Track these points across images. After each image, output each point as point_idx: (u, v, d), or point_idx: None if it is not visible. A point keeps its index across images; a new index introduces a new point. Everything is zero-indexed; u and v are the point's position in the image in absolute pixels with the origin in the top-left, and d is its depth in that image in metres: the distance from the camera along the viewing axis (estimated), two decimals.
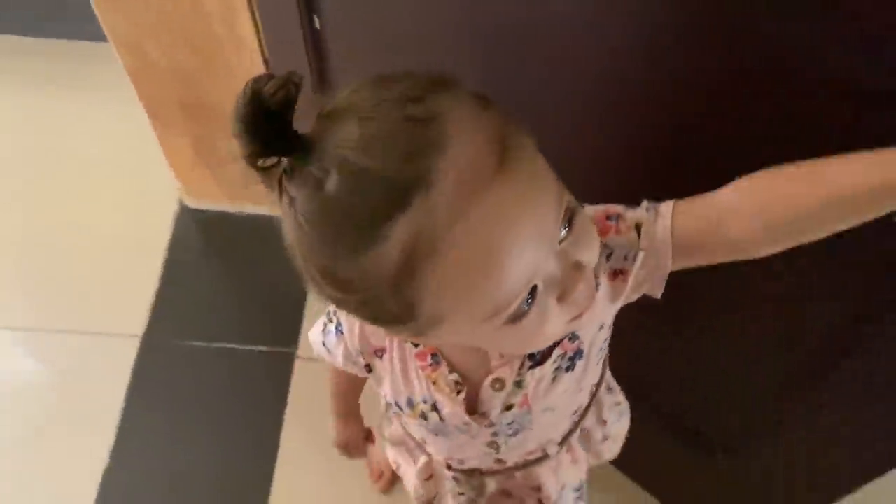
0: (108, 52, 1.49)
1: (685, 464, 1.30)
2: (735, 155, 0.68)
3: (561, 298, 0.60)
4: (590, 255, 0.61)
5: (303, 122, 0.55)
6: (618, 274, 0.74)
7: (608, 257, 0.73)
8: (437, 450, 0.97)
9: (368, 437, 1.20)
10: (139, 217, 1.97)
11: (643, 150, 0.89)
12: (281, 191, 0.56)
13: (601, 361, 0.90)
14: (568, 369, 0.81)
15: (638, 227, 0.72)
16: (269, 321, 1.84)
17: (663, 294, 0.75)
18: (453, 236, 0.51)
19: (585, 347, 0.81)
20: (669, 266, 0.72)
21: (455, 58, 0.96)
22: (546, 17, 0.83)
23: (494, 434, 0.86)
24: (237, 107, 0.52)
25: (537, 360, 0.78)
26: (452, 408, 0.81)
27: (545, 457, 0.96)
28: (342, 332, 0.85)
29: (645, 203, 0.73)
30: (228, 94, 1.59)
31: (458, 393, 0.80)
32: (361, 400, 1.11)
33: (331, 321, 0.88)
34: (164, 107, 1.63)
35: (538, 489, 1.01)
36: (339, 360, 0.89)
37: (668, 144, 0.86)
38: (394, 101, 0.53)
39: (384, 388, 0.86)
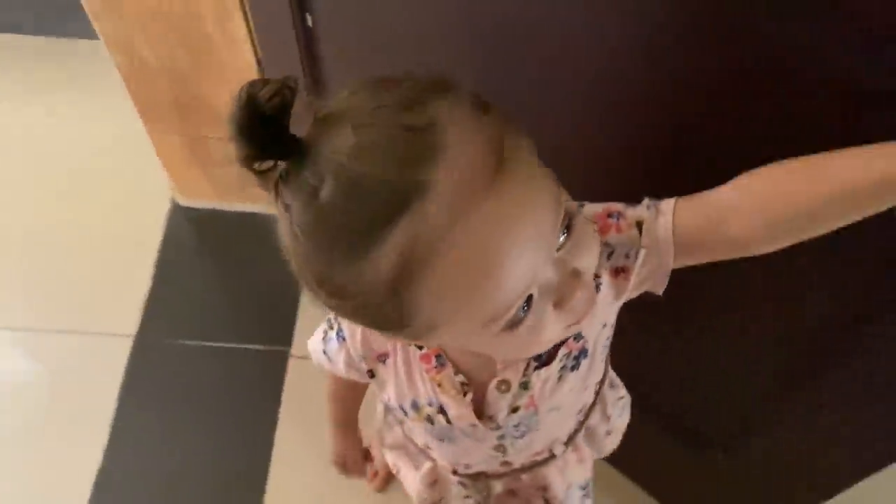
0: (99, 50, 1.48)
1: (685, 464, 1.30)
2: (734, 155, 0.68)
3: (558, 305, 0.60)
4: (588, 260, 0.61)
5: (301, 123, 0.54)
6: (619, 272, 0.74)
7: (609, 256, 0.73)
8: (442, 455, 0.97)
9: (367, 456, 1.18)
10: (131, 216, 1.96)
11: (642, 150, 0.89)
12: (277, 194, 0.56)
13: (604, 359, 0.90)
14: (573, 368, 0.80)
15: (639, 225, 0.72)
16: (263, 319, 1.83)
17: (663, 293, 0.75)
18: (449, 244, 0.51)
19: (590, 346, 0.81)
20: (671, 264, 0.71)
21: (451, 57, 0.96)
22: (545, 17, 0.83)
23: (501, 437, 0.86)
24: (232, 111, 0.51)
25: (543, 360, 0.78)
26: (459, 410, 0.80)
27: (552, 457, 0.95)
28: (344, 339, 0.84)
29: (646, 201, 0.72)
30: (221, 93, 1.59)
31: (465, 395, 0.79)
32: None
33: (331, 328, 0.87)
34: (156, 106, 1.62)
35: (545, 489, 1.00)
36: (340, 367, 0.88)
37: (667, 144, 0.86)
38: (391, 107, 0.53)
39: (387, 393, 0.85)
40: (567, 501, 1.03)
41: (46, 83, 2.19)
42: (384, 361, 0.83)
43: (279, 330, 1.79)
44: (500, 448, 0.89)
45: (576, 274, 0.59)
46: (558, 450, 0.95)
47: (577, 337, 0.79)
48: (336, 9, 1.12)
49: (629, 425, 1.06)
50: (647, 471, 1.44)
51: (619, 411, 1.02)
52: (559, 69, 0.88)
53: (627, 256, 0.73)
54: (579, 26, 0.81)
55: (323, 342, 0.89)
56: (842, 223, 0.62)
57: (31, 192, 2.02)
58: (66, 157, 2.06)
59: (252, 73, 1.45)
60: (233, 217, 1.93)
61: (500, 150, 0.53)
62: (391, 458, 1.10)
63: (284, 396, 1.71)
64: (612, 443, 1.06)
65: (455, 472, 0.98)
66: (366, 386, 0.99)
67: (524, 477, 0.99)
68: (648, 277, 0.74)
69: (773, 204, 0.65)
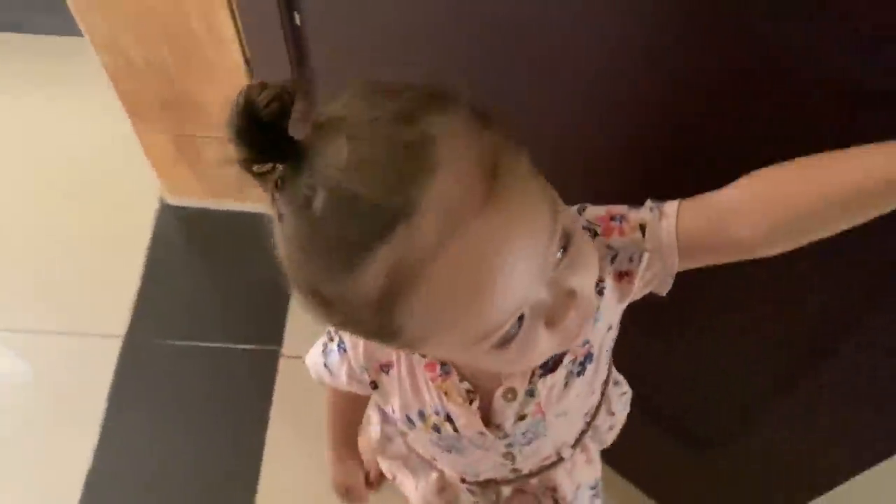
0: (85, 48, 1.47)
1: (685, 465, 1.31)
2: (733, 155, 0.68)
3: (550, 325, 0.59)
4: (585, 279, 0.60)
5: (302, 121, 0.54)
6: (623, 276, 0.73)
7: (613, 259, 0.73)
8: (450, 465, 0.96)
9: (368, 481, 1.16)
10: (120, 215, 1.95)
11: (641, 150, 0.89)
12: (273, 199, 0.55)
13: (608, 360, 0.89)
14: (579, 374, 0.80)
15: (642, 228, 0.71)
16: (253, 319, 1.82)
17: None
18: (436, 266, 0.51)
19: (595, 350, 0.80)
20: (676, 266, 0.71)
21: (442, 56, 0.95)
22: (541, 16, 0.82)
23: (509, 445, 0.86)
24: (230, 115, 0.51)
25: (549, 367, 0.77)
26: (467, 418, 0.80)
27: (560, 460, 0.95)
28: (346, 350, 0.83)
29: (649, 203, 0.72)
30: (208, 92, 1.58)
31: (471, 402, 0.79)
32: None
33: (332, 340, 0.86)
34: (143, 104, 1.61)
35: (554, 489, 1.00)
36: (342, 380, 0.86)
37: (666, 144, 0.86)
38: (387, 119, 0.52)
39: (391, 405, 0.84)
40: (577, 502, 1.02)
41: (31, 82, 2.16)
42: (387, 372, 0.82)
43: (269, 329, 1.78)
44: (509, 456, 0.88)
45: (570, 294, 0.58)
46: (566, 452, 0.94)
47: (583, 342, 0.78)
48: (324, 7, 1.11)
49: (629, 428, 1.06)
50: (647, 473, 1.45)
51: (622, 406, 1.02)
52: (558, 69, 0.87)
53: (631, 260, 0.72)
54: (577, 26, 0.81)
55: (323, 355, 0.88)
56: (845, 225, 0.62)
57: (18, 191, 2.00)
58: (53, 157, 2.05)
59: (240, 72, 1.44)
60: (222, 216, 1.92)
61: (494, 169, 0.52)
62: (386, 466, 1.09)
63: (275, 396, 1.70)
64: (612, 435, 1.06)
65: (464, 481, 0.98)
66: (367, 399, 0.98)
67: (533, 481, 0.98)
68: (652, 280, 0.73)
69: (775, 206, 0.64)
